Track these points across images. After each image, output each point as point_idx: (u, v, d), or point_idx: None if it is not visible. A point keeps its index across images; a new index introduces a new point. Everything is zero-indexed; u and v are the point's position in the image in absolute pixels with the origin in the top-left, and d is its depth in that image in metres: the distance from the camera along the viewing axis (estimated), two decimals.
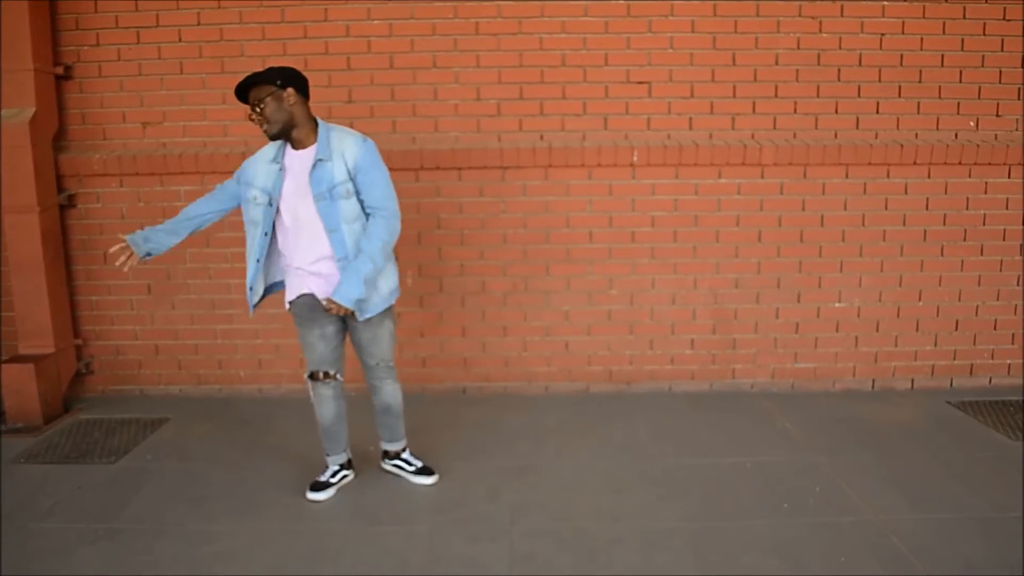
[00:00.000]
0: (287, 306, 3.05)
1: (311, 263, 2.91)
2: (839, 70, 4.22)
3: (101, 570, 2.66)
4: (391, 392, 3.21)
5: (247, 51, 4.23)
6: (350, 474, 3.30)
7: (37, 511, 3.11)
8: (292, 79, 2.83)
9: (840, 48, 4.20)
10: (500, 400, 4.36)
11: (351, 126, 4.22)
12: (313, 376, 3.10)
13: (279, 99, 2.80)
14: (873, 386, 4.50)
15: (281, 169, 2.89)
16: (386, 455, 3.37)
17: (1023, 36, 4.18)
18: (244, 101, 2.86)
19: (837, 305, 4.42)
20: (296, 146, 2.91)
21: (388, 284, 3.01)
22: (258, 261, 2.97)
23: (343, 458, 3.27)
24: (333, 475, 3.24)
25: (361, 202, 2.88)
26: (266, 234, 2.94)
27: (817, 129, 4.27)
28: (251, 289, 3.02)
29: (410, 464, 3.33)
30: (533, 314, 4.44)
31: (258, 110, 2.79)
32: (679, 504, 3.09)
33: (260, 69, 2.86)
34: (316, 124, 2.91)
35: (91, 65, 4.29)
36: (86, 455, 3.68)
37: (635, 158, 4.23)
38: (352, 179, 2.84)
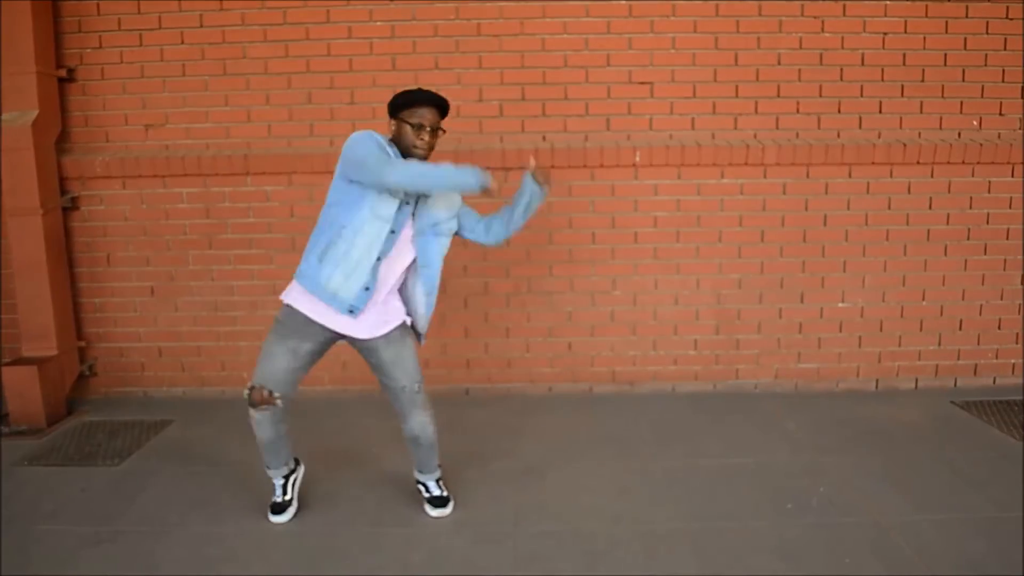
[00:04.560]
0: (286, 308, 2.76)
1: (383, 298, 2.79)
2: (841, 70, 4.22)
3: (105, 573, 2.65)
4: (419, 424, 2.91)
5: (249, 53, 4.24)
6: (297, 474, 3.13)
7: (40, 514, 3.10)
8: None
9: (842, 48, 4.20)
10: (503, 401, 4.36)
11: (353, 127, 4.25)
12: (251, 396, 2.77)
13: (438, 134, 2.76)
14: (877, 386, 4.49)
15: (408, 203, 2.75)
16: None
17: None
18: (406, 107, 2.69)
19: (840, 305, 4.42)
20: None
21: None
22: (379, 259, 2.69)
23: (286, 469, 3.06)
24: (284, 490, 3.06)
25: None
26: (393, 231, 2.69)
27: (820, 129, 4.27)
28: (367, 289, 2.69)
29: (428, 491, 3.09)
30: (536, 315, 4.43)
31: (434, 135, 2.71)
32: (682, 505, 3.09)
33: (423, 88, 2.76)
34: None
35: (94, 68, 4.29)
36: (89, 457, 3.68)
37: (637, 158, 4.23)
38: (455, 216, 2.84)
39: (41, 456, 3.72)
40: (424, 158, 2.71)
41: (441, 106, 2.73)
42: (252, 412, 2.82)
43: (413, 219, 2.76)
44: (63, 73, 4.24)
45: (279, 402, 2.78)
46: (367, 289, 2.69)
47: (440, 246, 2.84)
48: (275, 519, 3.02)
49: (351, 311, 2.70)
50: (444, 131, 2.79)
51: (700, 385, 4.49)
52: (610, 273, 4.39)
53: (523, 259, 4.36)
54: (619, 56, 4.22)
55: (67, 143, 4.35)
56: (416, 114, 2.68)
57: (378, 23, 4.21)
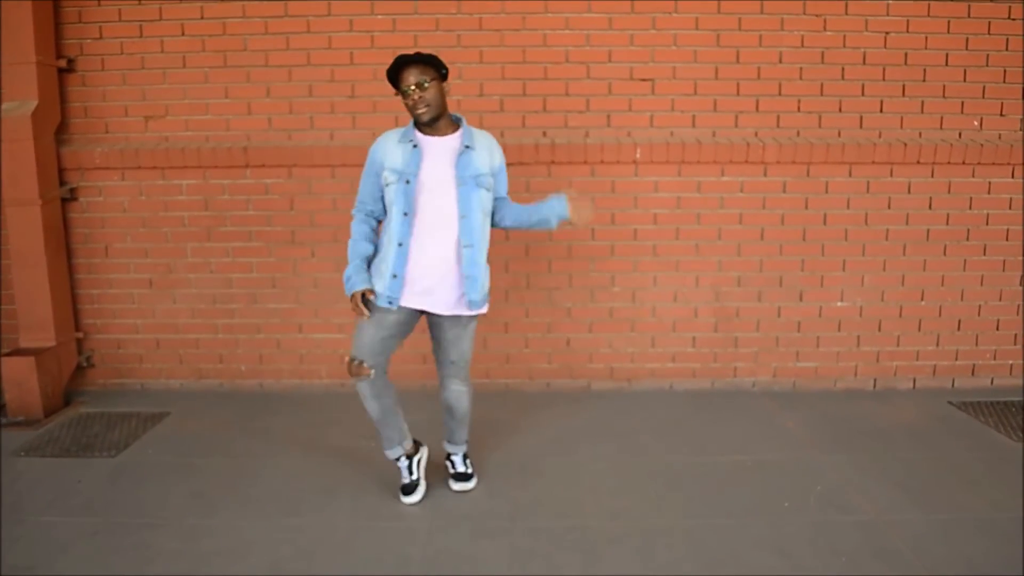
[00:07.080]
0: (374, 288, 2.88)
1: (435, 263, 2.83)
2: (843, 68, 4.21)
3: (100, 564, 2.65)
4: (455, 393, 3.13)
5: (250, 45, 4.23)
6: (421, 454, 3.20)
7: (37, 504, 3.10)
8: (447, 74, 2.86)
9: (844, 46, 4.19)
10: (501, 397, 4.36)
11: (354, 122, 4.28)
12: (350, 368, 2.90)
13: (440, 87, 2.80)
14: (875, 386, 4.49)
15: (416, 147, 2.81)
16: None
17: None
18: (394, 79, 2.80)
19: (839, 304, 4.41)
20: (433, 133, 2.85)
21: (488, 284, 2.96)
22: (400, 245, 2.79)
23: (402, 449, 3.11)
24: (411, 471, 3.13)
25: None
26: (406, 214, 2.78)
27: (820, 127, 4.27)
28: (395, 277, 2.81)
29: (453, 467, 3.28)
30: (535, 311, 4.43)
31: (422, 88, 2.73)
32: (679, 502, 3.09)
33: (404, 58, 2.78)
34: (453, 118, 2.92)
35: (94, 58, 4.28)
36: (86, 449, 3.68)
37: (638, 155, 4.22)
38: (492, 175, 2.90)
39: (38, 447, 3.71)
40: (424, 117, 2.78)
41: (416, 62, 2.76)
42: (357, 387, 2.96)
43: (455, 170, 2.81)
44: (63, 63, 4.22)
45: (372, 372, 2.89)
46: (400, 245, 2.79)
47: (479, 198, 2.84)
48: (407, 499, 3.09)
49: (394, 276, 2.81)
50: (435, 81, 2.78)
51: (698, 383, 4.49)
52: (609, 270, 4.39)
53: (522, 255, 4.36)
54: (620, 52, 4.21)
55: (66, 134, 4.33)
56: (401, 82, 2.79)
57: (379, 16, 4.20)
